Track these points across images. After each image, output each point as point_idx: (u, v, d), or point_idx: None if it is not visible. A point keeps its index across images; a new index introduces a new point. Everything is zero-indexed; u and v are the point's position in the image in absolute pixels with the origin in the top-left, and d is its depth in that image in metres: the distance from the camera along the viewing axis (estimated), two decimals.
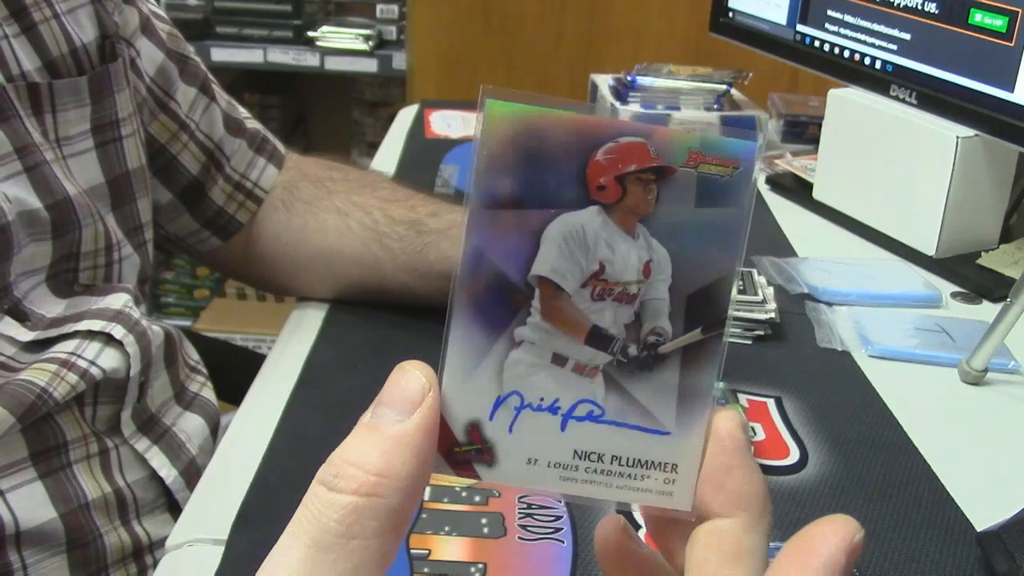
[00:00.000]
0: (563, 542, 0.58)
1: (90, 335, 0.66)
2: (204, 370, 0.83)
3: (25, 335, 0.64)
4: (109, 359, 0.66)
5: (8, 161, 0.63)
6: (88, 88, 0.69)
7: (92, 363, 0.65)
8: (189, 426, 0.76)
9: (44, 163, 0.65)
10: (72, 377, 0.63)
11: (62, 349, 0.65)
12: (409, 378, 0.29)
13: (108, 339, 0.66)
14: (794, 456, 0.68)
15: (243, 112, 0.88)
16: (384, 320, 0.82)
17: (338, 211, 0.83)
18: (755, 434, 0.71)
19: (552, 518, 0.60)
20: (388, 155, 1.26)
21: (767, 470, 0.66)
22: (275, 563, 0.27)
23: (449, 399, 0.30)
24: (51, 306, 0.67)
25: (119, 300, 0.69)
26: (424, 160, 1.23)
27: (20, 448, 0.63)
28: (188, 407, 0.78)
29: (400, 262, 0.80)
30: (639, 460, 0.31)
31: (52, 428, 0.65)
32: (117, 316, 0.67)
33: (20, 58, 0.65)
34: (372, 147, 1.99)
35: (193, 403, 0.79)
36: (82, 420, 0.67)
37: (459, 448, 0.30)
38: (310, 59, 2.22)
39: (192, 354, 0.83)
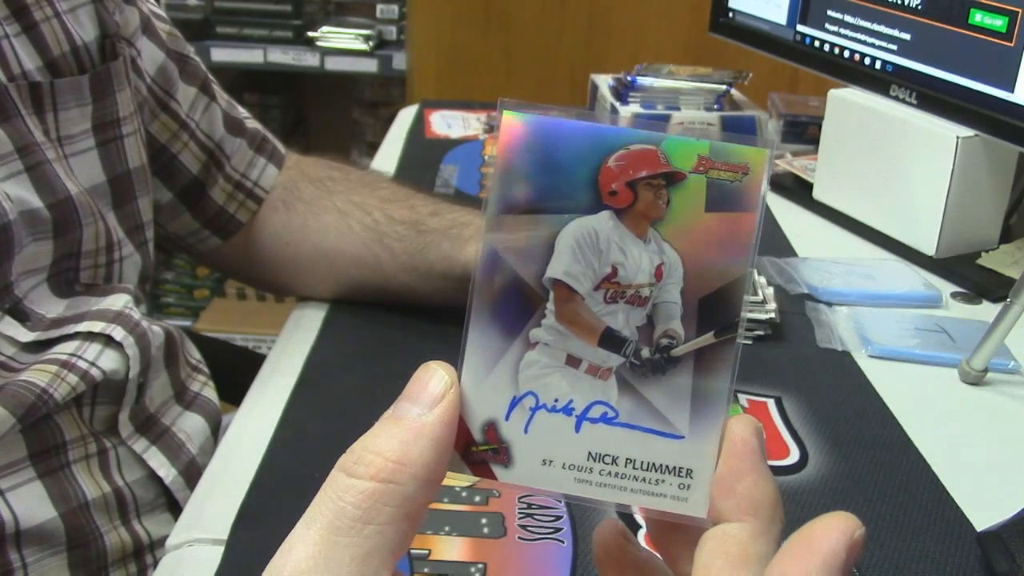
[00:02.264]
0: (563, 542, 0.58)
1: (90, 336, 0.66)
2: (206, 370, 0.83)
3: (25, 335, 0.64)
4: (109, 360, 0.66)
5: (9, 160, 0.63)
6: (89, 87, 0.69)
7: (92, 364, 0.65)
8: (189, 426, 0.76)
9: (46, 162, 0.65)
10: (72, 378, 0.63)
11: (62, 350, 0.65)
12: (432, 375, 0.30)
13: (108, 341, 0.66)
14: (794, 456, 0.68)
15: (243, 112, 0.88)
16: (384, 320, 0.82)
17: (338, 211, 0.83)
18: None
19: (552, 518, 0.60)
20: (388, 155, 1.26)
21: None
22: (291, 545, 0.28)
23: (467, 398, 0.30)
24: (51, 306, 0.67)
25: (119, 301, 0.69)
26: (424, 160, 1.23)
27: (19, 448, 0.63)
28: (189, 407, 0.78)
29: (400, 262, 0.80)
30: (653, 464, 0.31)
31: (51, 428, 0.65)
32: (117, 317, 0.67)
33: (21, 57, 0.65)
34: (372, 147, 1.99)
35: (194, 403, 0.79)
36: (80, 420, 0.67)
37: (476, 447, 0.31)
38: (310, 59, 2.22)
39: (194, 353, 0.83)
